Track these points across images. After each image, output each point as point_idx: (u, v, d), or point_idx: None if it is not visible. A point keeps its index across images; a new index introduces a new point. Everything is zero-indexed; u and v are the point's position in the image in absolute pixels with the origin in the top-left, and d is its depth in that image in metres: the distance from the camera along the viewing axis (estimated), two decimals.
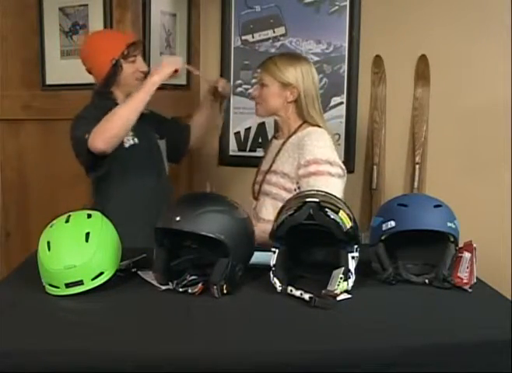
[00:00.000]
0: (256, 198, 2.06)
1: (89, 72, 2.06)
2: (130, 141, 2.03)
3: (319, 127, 1.98)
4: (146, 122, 2.02)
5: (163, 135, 2.18)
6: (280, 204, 1.90)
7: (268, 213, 1.96)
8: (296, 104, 1.97)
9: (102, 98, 2.03)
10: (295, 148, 1.95)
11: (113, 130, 1.85)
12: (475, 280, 1.51)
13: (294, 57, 2.04)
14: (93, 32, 2.27)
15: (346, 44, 2.63)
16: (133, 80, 2.02)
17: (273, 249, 1.49)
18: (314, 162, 1.89)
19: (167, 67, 1.92)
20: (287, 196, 1.92)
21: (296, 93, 1.95)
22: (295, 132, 1.99)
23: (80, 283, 1.43)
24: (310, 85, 1.97)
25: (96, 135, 1.84)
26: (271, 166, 2.01)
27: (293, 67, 1.95)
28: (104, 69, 1.99)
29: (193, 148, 2.39)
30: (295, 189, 1.93)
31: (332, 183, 1.86)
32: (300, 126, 1.99)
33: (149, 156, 2.12)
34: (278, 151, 2.01)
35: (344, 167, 1.96)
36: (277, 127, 2.15)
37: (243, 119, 2.78)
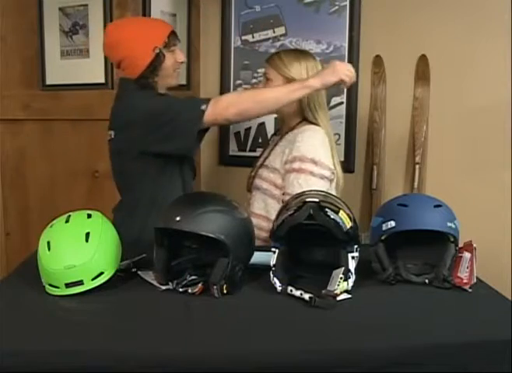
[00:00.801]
0: (249, 192, 2.07)
1: (118, 64, 1.93)
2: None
3: (317, 125, 1.97)
4: None
5: None
6: (270, 200, 1.95)
7: (259, 207, 1.98)
8: (300, 100, 1.96)
9: (146, 90, 1.91)
10: (287, 143, 1.95)
11: (255, 107, 1.81)
12: (475, 280, 1.51)
13: (300, 53, 2.03)
14: (125, 19, 2.18)
15: (346, 44, 2.62)
16: (172, 71, 1.95)
17: (273, 249, 1.49)
18: (299, 159, 1.88)
19: (334, 75, 1.81)
20: (277, 192, 1.94)
21: None
22: (292, 129, 1.99)
23: (80, 283, 1.43)
24: None
25: (231, 104, 1.79)
26: (264, 161, 2.03)
27: (298, 63, 1.95)
28: (145, 59, 1.86)
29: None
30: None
31: (312, 182, 1.84)
32: (299, 123, 1.99)
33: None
34: (274, 147, 2.02)
35: (333, 169, 1.93)
36: (278, 124, 2.15)
37: None
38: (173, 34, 1.93)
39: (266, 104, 1.83)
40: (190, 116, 1.81)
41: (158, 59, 1.88)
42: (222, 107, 1.80)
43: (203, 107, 1.79)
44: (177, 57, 1.95)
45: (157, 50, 1.87)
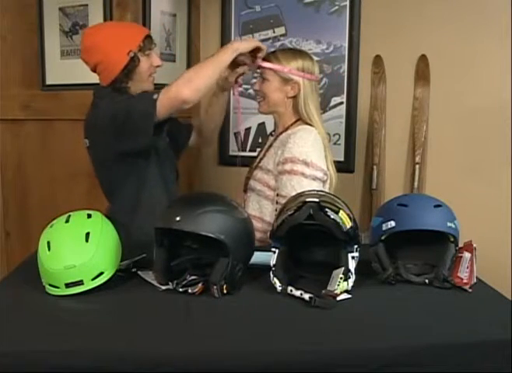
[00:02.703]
0: (245, 192, 2.07)
1: (94, 68, 1.92)
2: (165, 139, 1.97)
3: (311, 125, 1.95)
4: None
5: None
6: (264, 201, 1.95)
7: (253, 208, 1.98)
8: (295, 100, 1.95)
9: (119, 94, 1.89)
10: (280, 144, 1.95)
11: (201, 81, 1.78)
12: (475, 280, 1.51)
13: (297, 53, 2.01)
14: (100, 24, 2.18)
15: (346, 44, 2.62)
16: (147, 75, 1.93)
17: (273, 249, 1.49)
18: (291, 161, 1.87)
19: (251, 42, 1.94)
20: (270, 193, 1.93)
21: (297, 89, 1.93)
22: (287, 129, 1.98)
23: (80, 283, 1.43)
24: (310, 82, 1.95)
25: (181, 85, 1.76)
26: (259, 162, 2.03)
27: (295, 62, 1.94)
28: (119, 63, 1.85)
29: (210, 139, 2.36)
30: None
31: (305, 184, 1.82)
32: (294, 123, 1.97)
33: (171, 155, 2.08)
34: (269, 147, 2.02)
35: (326, 170, 1.92)
36: (275, 124, 2.15)
37: (243, 119, 2.78)
38: (148, 38, 1.92)
39: (211, 76, 1.82)
40: (143, 107, 1.78)
41: (133, 63, 1.87)
42: (174, 91, 1.76)
43: (155, 96, 1.76)
44: (152, 61, 1.93)
45: (132, 54, 1.86)
